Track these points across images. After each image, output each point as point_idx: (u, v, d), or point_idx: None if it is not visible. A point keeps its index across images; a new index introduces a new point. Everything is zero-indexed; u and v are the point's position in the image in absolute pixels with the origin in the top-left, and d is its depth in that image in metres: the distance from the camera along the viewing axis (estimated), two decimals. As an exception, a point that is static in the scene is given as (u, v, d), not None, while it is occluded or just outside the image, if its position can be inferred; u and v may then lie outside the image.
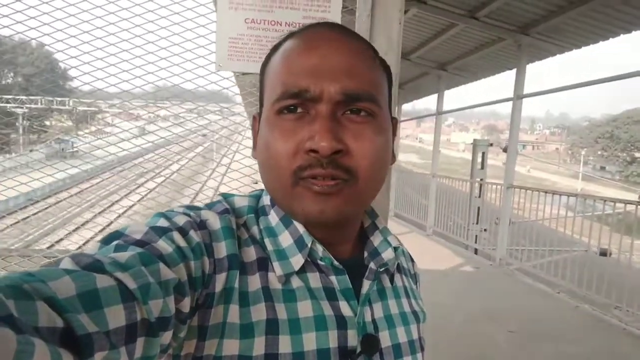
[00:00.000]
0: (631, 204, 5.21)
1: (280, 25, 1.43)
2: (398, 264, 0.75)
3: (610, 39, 6.12)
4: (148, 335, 0.43)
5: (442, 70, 9.36)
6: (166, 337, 0.47)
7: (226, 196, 0.68)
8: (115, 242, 0.50)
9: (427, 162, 10.03)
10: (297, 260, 0.61)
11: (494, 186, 8.40)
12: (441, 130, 10.06)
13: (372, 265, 0.67)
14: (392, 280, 0.71)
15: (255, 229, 0.64)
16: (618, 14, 5.47)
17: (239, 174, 2.35)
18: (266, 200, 0.67)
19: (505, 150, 8.72)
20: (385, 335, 0.65)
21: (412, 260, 0.83)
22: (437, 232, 9.36)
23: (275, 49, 0.66)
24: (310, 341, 0.57)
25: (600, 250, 6.01)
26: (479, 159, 9.72)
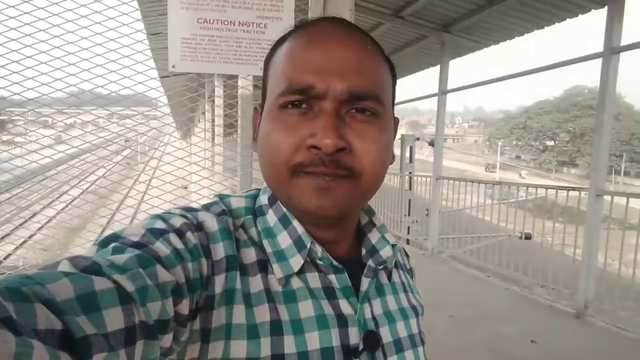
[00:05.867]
0: (551, 188, 5.60)
1: (234, 24, 1.40)
2: (396, 261, 0.76)
3: (525, 34, 6.54)
4: (147, 338, 0.43)
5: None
6: (166, 340, 0.46)
7: (222, 197, 0.66)
8: (112, 245, 0.49)
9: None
10: (297, 261, 0.61)
11: (423, 179, 8.72)
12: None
13: (370, 262, 0.67)
14: (389, 277, 0.72)
15: (253, 231, 0.64)
16: (533, 11, 5.83)
17: (165, 178, 2.30)
18: (263, 199, 0.67)
19: (431, 144, 9.05)
20: (385, 331, 0.66)
21: (407, 256, 0.83)
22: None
23: (280, 41, 0.65)
24: (313, 340, 0.58)
25: (525, 235, 6.40)
26: (407, 153, 10.01)
